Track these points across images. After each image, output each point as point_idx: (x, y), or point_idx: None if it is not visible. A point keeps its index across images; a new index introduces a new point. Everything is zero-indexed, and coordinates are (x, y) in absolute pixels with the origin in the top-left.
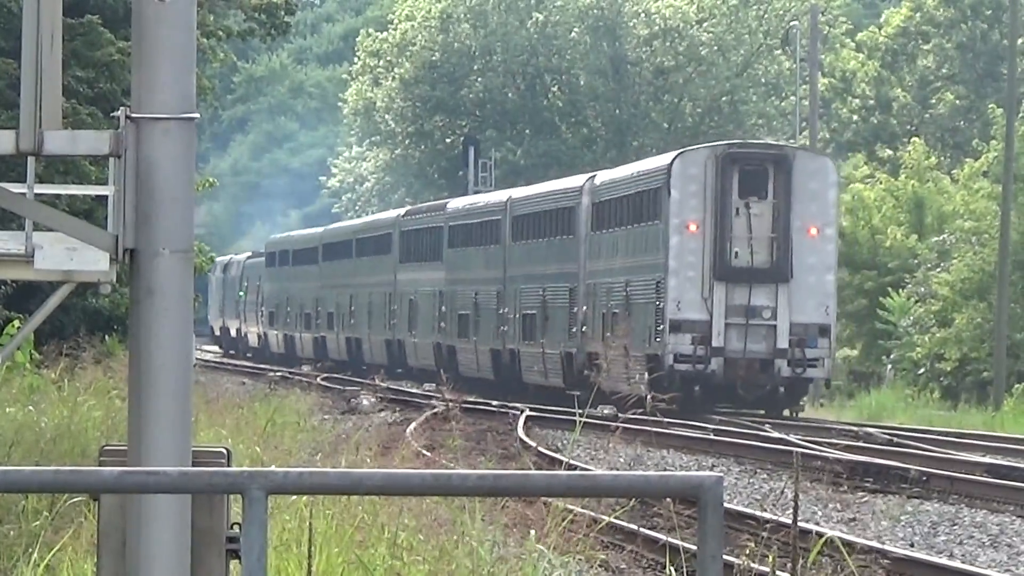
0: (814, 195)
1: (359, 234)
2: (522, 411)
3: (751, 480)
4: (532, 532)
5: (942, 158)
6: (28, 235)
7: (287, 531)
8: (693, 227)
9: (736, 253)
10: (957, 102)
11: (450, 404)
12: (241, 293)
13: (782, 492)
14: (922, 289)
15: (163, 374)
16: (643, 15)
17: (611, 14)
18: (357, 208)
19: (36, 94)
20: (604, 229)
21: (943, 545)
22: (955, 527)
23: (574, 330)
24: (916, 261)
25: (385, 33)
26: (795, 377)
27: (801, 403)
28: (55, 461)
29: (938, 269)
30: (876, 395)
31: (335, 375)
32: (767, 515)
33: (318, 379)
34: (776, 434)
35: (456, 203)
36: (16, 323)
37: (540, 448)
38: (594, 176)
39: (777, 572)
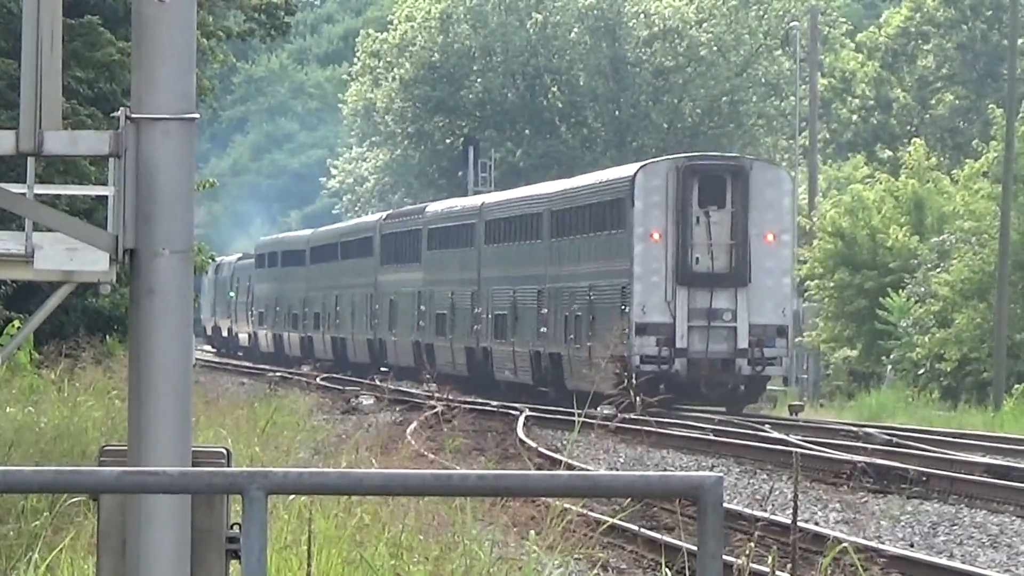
0: (770, 204)
1: (344, 237)
2: (521, 411)
3: (751, 480)
4: (532, 532)
5: (942, 158)
6: (28, 235)
7: (287, 531)
8: (656, 235)
9: (697, 259)
10: (957, 102)
11: (451, 405)
12: (232, 293)
13: (781, 492)
14: (922, 289)
15: (163, 374)
16: (643, 15)
17: (611, 14)
18: (357, 209)
19: (36, 94)
20: (567, 236)
21: (943, 545)
22: (955, 527)
23: (542, 330)
24: (916, 261)
25: (385, 34)
26: (755, 375)
27: (761, 400)
28: (55, 461)
29: (938, 269)
30: (876, 395)
31: (335, 375)
32: (767, 515)
33: (317, 379)
34: (776, 434)
35: (434, 207)
36: (16, 323)
37: (540, 448)
38: (555, 184)
39: (777, 572)
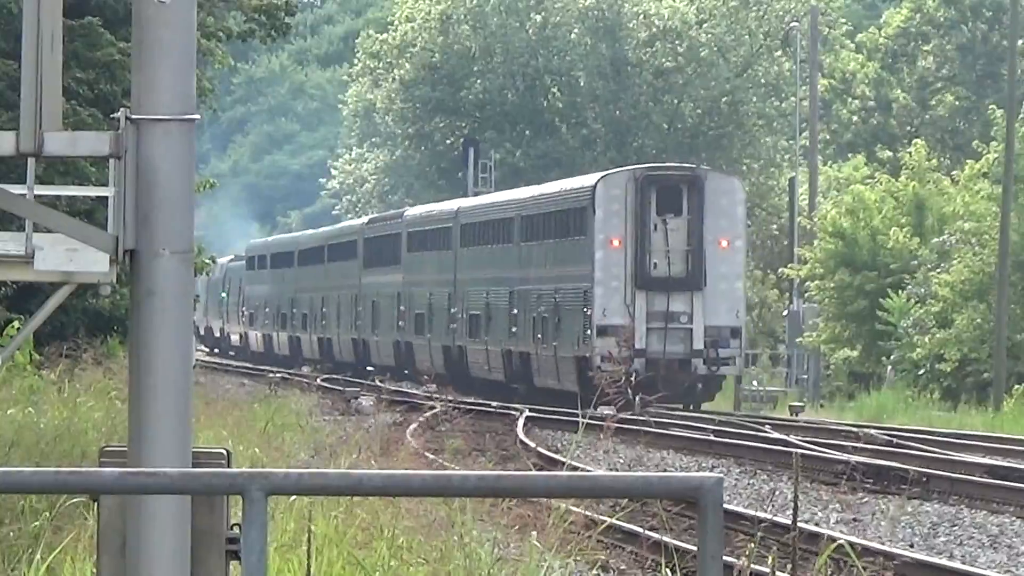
0: (724, 211)
1: (330, 240)
2: (522, 412)
3: (751, 481)
4: (533, 533)
5: (942, 159)
6: (28, 236)
7: (287, 532)
8: (616, 242)
9: (655, 264)
10: (957, 103)
11: (452, 406)
12: (224, 294)
13: (781, 492)
14: (922, 290)
15: (163, 375)
16: (643, 16)
17: (611, 15)
18: (358, 210)
19: (36, 95)
20: (535, 240)
21: (943, 546)
22: (955, 528)
23: (513, 330)
24: (916, 262)
25: (385, 34)
26: (710, 375)
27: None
28: (55, 462)
29: (938, 270)
30: (876, 396)
31: (334, 376)
32: (767, 516)
33: (318, 380)
34: (776, 435)
35: (413, 211)
36: (16, 324)
37: (540, 449)
38: (525, 191)
39: (777, 573)
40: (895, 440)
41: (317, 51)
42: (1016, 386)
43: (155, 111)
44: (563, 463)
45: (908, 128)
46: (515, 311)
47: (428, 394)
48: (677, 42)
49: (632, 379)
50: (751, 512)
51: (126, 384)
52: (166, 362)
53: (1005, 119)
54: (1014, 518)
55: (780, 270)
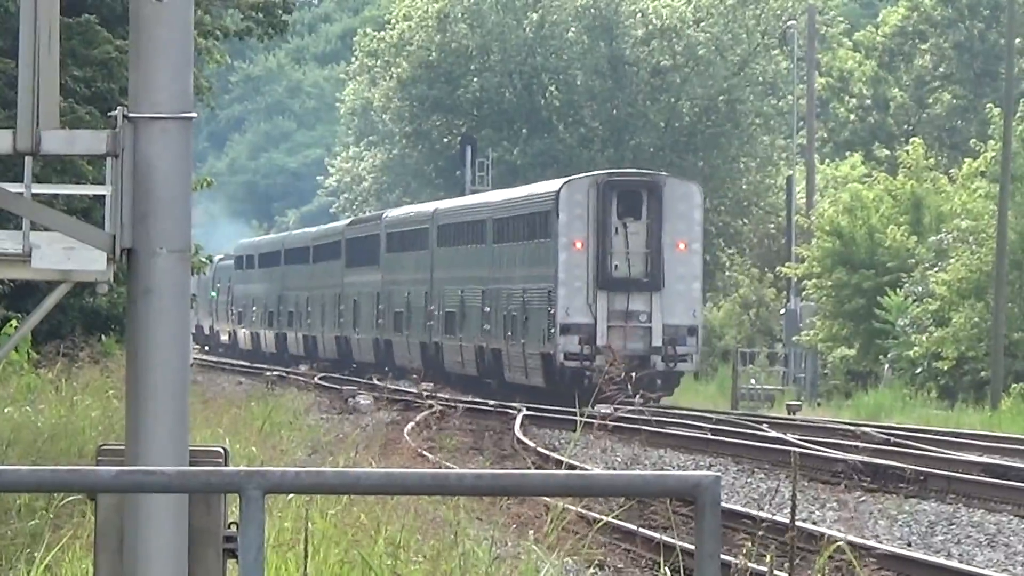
0: (682, 216)
1: (315, 241)
2: (519, 410)
3: (748, 479)
4: (530, 532)
5: (939, 158)
6: (25, 234)
7: (284, 531)
8: (579, 244)
9: (616, 266)
10: (954, 102)
11: (450, 405)
12: (213, 293)
13: (779, 491)
14: (920, 288)
15: (160, 373)
16: (640, 15)
17: (608, 13)
18: (355, 208)
19: (33, 93)
20: (505, 242)
21: (940, 544)
22: (952, 526)
23: (485, 327)
24: (914, 261)
25: (382, 33)
26: (669, 371)
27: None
28: (52, 460)
29: (936, 269)
30: (874, 394)
31: (332, 374)
32: (765, 514)
33: (315, 379)
34: (774, 433)
35: (391, 213)
36: (13, 322)
37: (538, 448)
38: (497, 194)
39: (775, 572)
40: (892, 439)
41: (314, 49)
42: (1013, 385)
43: (152, 109)
44: (561, 462)
45: (905, 127)
46: (487, 309)
47: (426, 392)
48: (674, 40)
49: (634, 377)
50: (749, 511)
51: (123, 382)
52: (163, 361)
53: (1002, 118)
54: (1011, 516)
55: (777, 268)
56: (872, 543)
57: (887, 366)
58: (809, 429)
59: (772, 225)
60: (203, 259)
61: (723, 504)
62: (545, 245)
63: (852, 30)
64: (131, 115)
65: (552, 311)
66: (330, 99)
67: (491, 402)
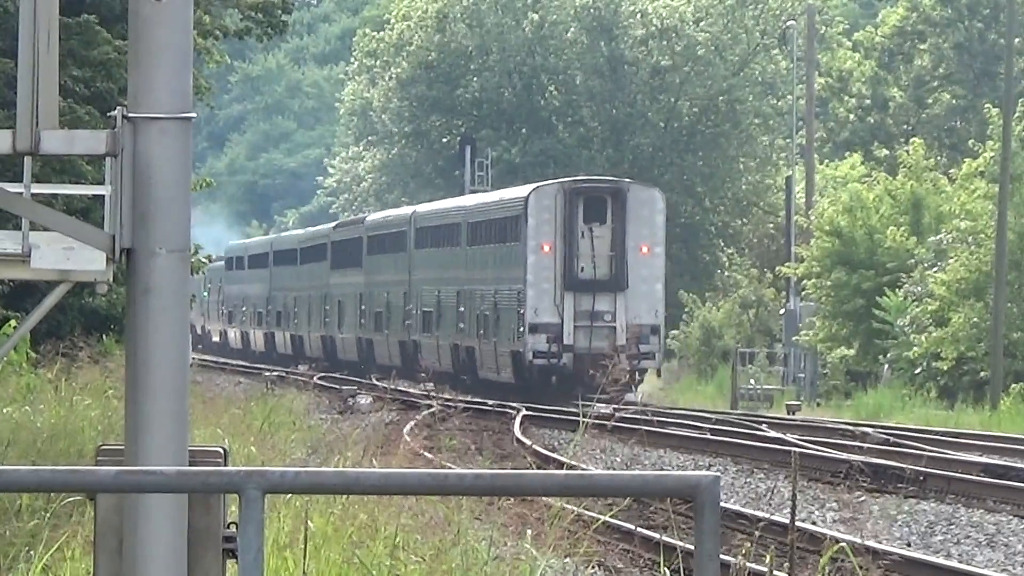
0: (645, 220)
1: (302, 243)
2: (519, 410)
3: (748, 479)
4: (529, 532)
5: (938, 158)
6: (25, 234)
7: (284, 531)
8: (547, 248)
9: (582, 268)
10: (953, 102)
11: (450, 404)
12: (205, 293)
13: (778, 491)
14: (919, 289)
15: (160, 373)
16: (639, 15)
17: (607, 13)
18: (354, 208)
19: (33, 93)
20: (479, 244)
21: (940, 545)
22: (952, 526)
23: (460, 326)
24: (913, 261)
25: (382, 33)
26: (632, 368)
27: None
28: (52, 461)
29: (935, 269)
30: (873, 395)
31: (331, 374)
32: (764, 514)
33: (315, 379)
34: (773, 433)
35: (373, 217)
36: (13, 322)
37: (537, 448)
38: (471, 198)
39: (774, 572)
40: (892, 439)
41: (314, 49)
42: (1013, 385)
43: (152, 109)
44: (560, 462)
45: (905, 127)
46: (462, 309)
47: (426, 392)
48: (674, 40)
49: (636, 376)
50: (748, 511)
51: (123, 382)
52: (163, 361)
53: (1002, 118)
54: (1011, 516)
55: (777, 268)
56: (872, 543)
57: (886, 366)
58: (808, 429)
59: (771, 225)
60: (202, 259)
61: (723, 504)
62: (515, 248)
63: (851, 30)
64: (130, 115)
65: (522, 311)
66: (329, 99)
67: (490, 402)
